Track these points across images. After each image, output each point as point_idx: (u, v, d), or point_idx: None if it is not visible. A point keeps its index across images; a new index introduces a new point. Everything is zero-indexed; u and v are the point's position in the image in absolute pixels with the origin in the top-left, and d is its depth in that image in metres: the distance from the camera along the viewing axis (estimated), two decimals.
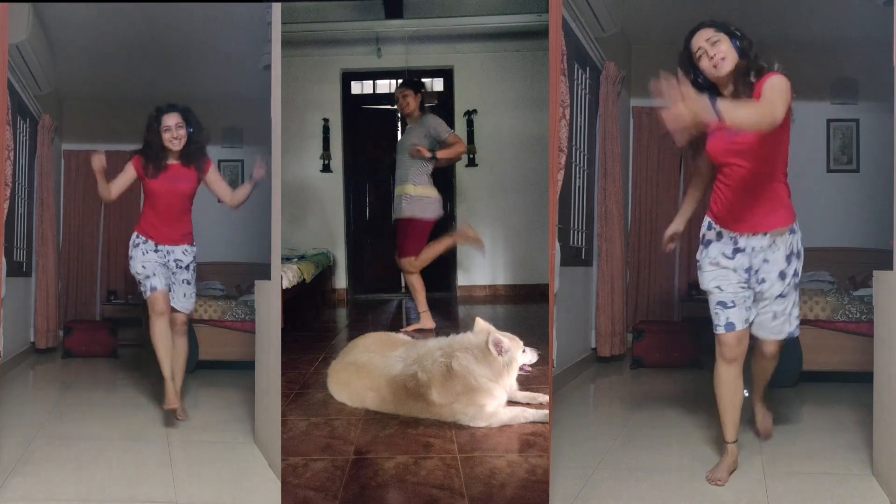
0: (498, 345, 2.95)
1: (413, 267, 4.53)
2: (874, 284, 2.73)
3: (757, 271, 2.64)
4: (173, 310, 3.47)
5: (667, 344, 4.36)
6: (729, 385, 2.69)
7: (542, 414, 2.90)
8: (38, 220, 4.72)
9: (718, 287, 2.66)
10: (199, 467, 2.87)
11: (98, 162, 3.33)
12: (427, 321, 4.53)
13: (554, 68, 2.94)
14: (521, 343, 3.04)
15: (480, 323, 3.10)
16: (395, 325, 4.66)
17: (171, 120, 3.34)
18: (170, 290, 3.45)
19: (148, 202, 3.46)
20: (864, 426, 2.97)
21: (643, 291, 4.85)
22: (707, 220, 2.71)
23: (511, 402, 3.00)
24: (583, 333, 4.37)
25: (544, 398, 3.04)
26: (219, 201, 3.58)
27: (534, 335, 3.44)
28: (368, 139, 6.24)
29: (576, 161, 4.18)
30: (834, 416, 3.35)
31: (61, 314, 4.80)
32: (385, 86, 6.33)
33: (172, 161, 3.40)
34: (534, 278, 5.92)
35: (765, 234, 2.60)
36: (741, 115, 2.26)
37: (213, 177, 3.47)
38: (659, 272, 4.82)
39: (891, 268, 2.61)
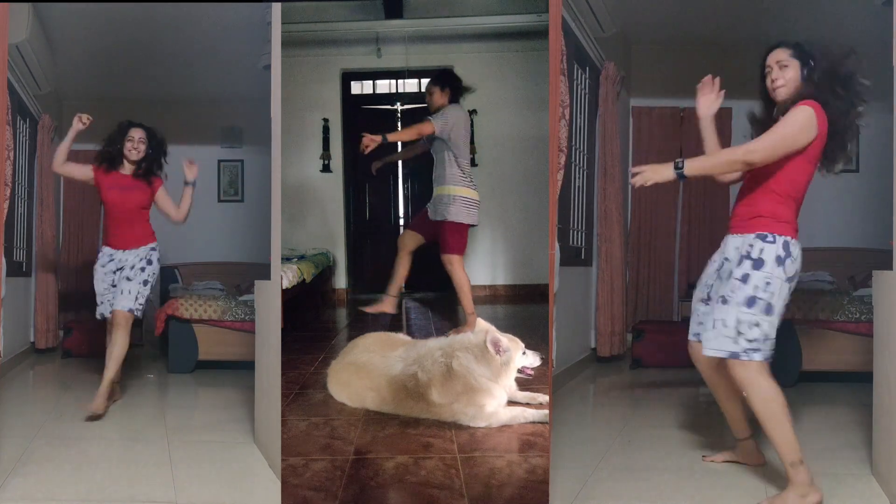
0: (496, 344, 2.95)
1: (459, 264, 4.15)
2: (874, 284, 2.73)
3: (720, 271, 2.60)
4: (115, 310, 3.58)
5: (666, 344, 4.35)
6: (714, 391, 2.73)
7: (542, 414, 2.90)
8: (38, 220, 4.72)
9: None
10: (199, 467, 2.86)
11: (79, 123, 3.50)
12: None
13: (554, 68, 2.94)
14: (522, 345, 3.04)
15: (480, 323, 3.10)
16: (395, 326, 4.65)
17: (136, 133, 3.56)
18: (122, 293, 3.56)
19: (106, 213, 3.65)
20: (864, 426, 2.97)
21: (643, 291, 4.85)
22: None
23: (511, 402, 3.00)
24: (583, 333, 4.37)
25: (544, 398, 3.04)
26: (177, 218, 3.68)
27: (534, 335, 3.44)
28: None
29: (575, 161, 4.18)
30: (834, 416, 3.35)
31: (61, 314, 4.80)
32: (385, 86, 6.33)
33: (127, 167, 3.59)
34: (534, 278, 5.92)
35: (733, 235, 2.55)
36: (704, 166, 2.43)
37: (162, 196, 3.64)
38: (659, 272, 4.83)
39: (891, 268, 2.61)
